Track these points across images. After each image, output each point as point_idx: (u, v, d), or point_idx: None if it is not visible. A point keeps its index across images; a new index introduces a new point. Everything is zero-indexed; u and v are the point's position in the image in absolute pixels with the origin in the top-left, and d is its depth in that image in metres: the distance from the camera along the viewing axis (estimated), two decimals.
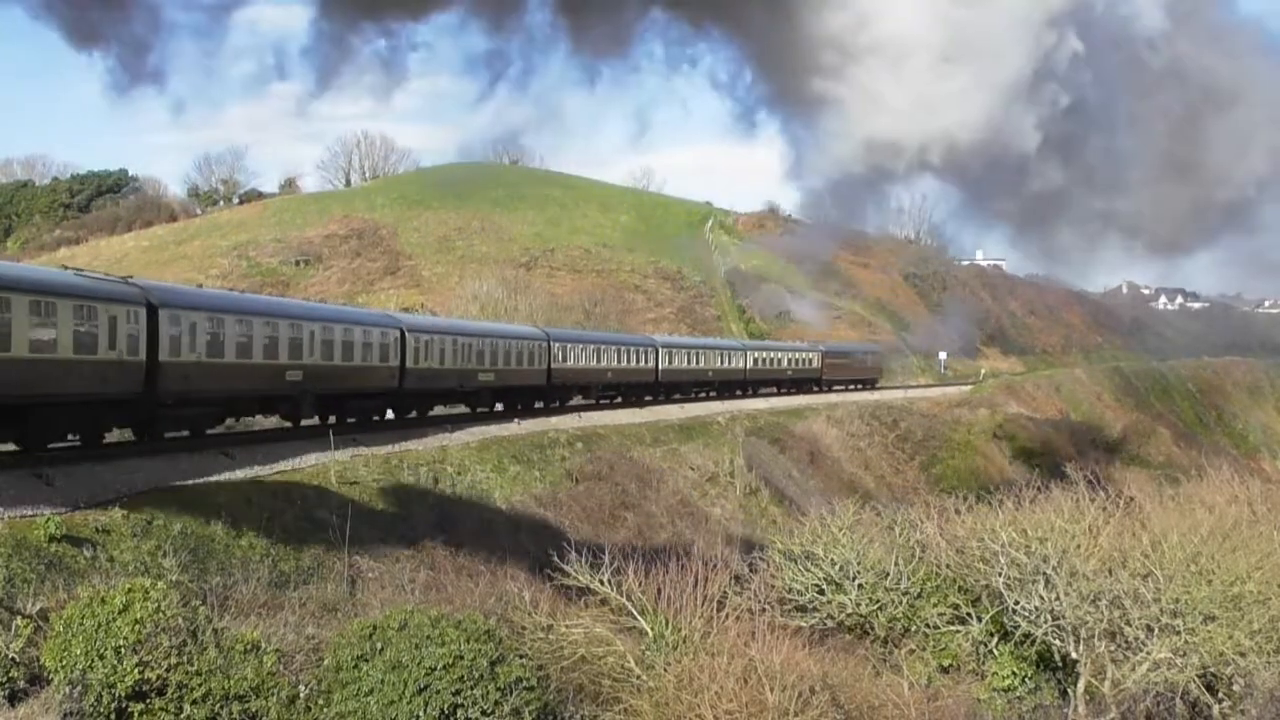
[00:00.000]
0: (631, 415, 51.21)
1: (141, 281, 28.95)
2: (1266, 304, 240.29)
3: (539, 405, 49.18)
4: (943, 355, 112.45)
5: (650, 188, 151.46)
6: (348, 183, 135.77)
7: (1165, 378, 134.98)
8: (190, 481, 24.44)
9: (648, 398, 59.13)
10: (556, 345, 50.54)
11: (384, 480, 29.58)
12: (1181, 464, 77.16)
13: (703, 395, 66.22)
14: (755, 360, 72.83)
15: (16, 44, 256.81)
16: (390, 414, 39.26)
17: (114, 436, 28.83)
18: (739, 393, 69.46)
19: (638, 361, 58.71)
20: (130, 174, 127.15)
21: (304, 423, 34.66)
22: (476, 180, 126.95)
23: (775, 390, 75.83)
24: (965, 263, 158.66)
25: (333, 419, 35.39)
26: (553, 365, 49.71)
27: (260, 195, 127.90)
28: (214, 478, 25.18)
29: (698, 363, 65.32)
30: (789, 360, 78.07)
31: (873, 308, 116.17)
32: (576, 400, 54.27)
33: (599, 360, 54.61)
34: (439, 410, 43.70)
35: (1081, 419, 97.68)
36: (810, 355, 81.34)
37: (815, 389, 79.67)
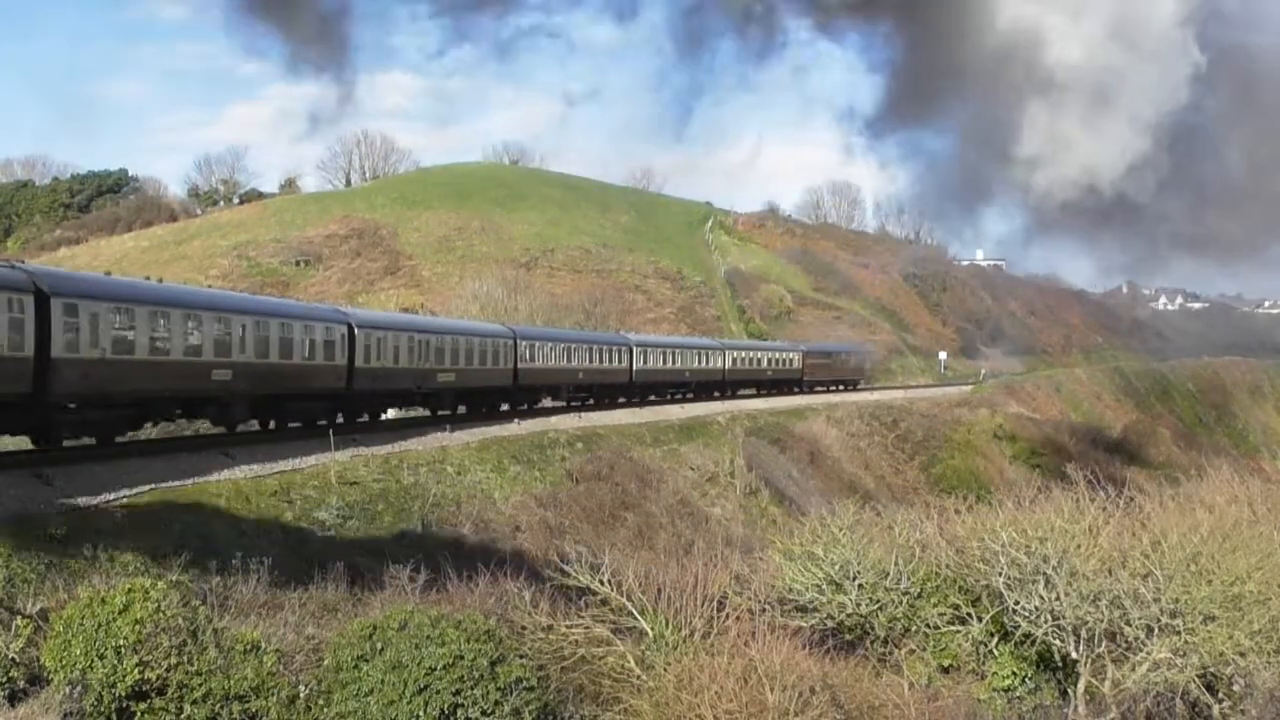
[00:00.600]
0: (632, 415, 51.19)
1: (30, 266, 25.86)
2: (1267, 304, 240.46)
3: (505, 408, 46.79)
4: (943, 355, 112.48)
5: (650, 188, 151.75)
6: (348, 183, 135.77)
7: (1165, 378, 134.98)
8: (190, 481, 24.45)
9: (621, 399, 56.97)
10: (524, 344, 47.93)
11: (384, 480, 29.56)
12: (1181, 464, 77.15)
13: (679, 396, 64.07)
14: (734, 360, 70.67)
15: (15, 43, 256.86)
16: (340, 418, 36.30)
17: (10, 444, 26.25)
18: (716, 394, 67.35)
19: (611, 361, 56.18)
20: (130, 174, 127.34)
21: (240, 428, 32.07)
22: (476, 180, 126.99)
23: (755, 391, 73.43)
24: (965, 262, 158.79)
25: (273, 424, 33.41)
26: (520, 365, 47.17)
27: (260, 195, 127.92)
28: (213, 477, 25.19)
29: (674, 362, 62.99)
30: (769, 360, 75.66)
31: (873, 308, 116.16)
32: (546, 403, 52.08)
33: (569, 360, 52.10)
34: (393, 414, 41.83)
35: (1082, 419, 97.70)
36: (791, 355, 78.88)
37: (796, 390, 77.21)
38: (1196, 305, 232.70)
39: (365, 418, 38.10)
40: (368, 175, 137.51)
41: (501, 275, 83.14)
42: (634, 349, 58.78)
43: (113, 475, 23.42)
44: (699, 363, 65.70)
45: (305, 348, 33.05)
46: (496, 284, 78.43)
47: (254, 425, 34.73)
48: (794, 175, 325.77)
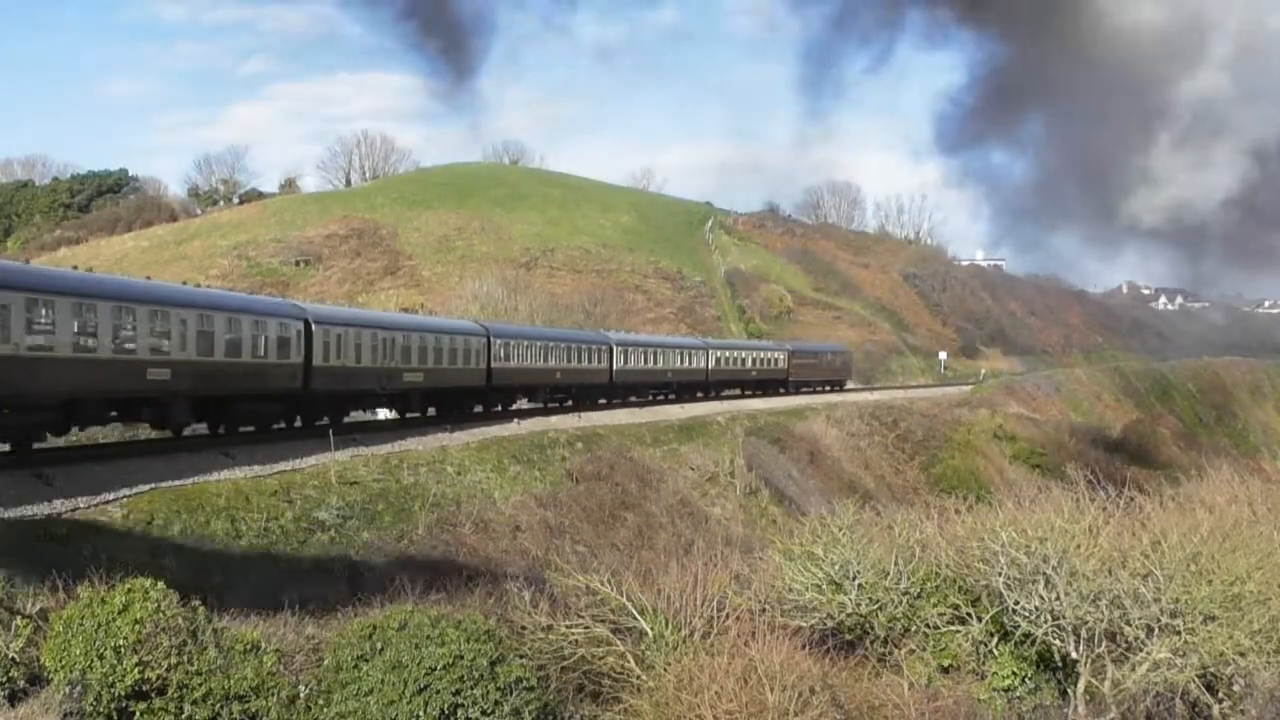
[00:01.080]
0: (631, 415, 51.20)
1: None
2: (1267, 304, 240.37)
3: (478, 410, 44.48)
4: (943, 355, 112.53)
5: (650, 188, 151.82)
6: (348, 183, 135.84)
7: (1165, 378, 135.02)
8: (189, 481, 24.44)
9: (601, 400, 54.90)
10: (498, 342, 45.24)
11: (384, 480, 29.57)
12: (1181, 464, 77.17)
13: (660, 398, 61.76)
14: (718, 360, 68.15)
15: (18, 42, 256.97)
16: (298, 422, 34.50)
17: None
18: (700, 395, 65.26)
19: (590, 361, 53.62)
20: (130, 174, 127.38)
21: (186, 432, 30.17)
22: (477, 180, 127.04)
23: (739, 392, 71.50)
24: (965, 263, 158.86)
25: (222, 429, 30.95)
26: (493, 364, 44.50)
27: (260, 195, 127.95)
28: (213, 477, 25.18)
29: (655, 362, 60.35)
30: (754, 360, 73.36)
31: (873, 308, 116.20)
32: (521, 404, 49.77)
33: (546, 359, 49.46)
34: (358, 416, 39.40)
35: (1083, 419, 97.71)
36: (776, 355, 76.79)
37: (781, 391, 74.84)
38: (1197, 305, 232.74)
39: (326, 420, 34.98)
40: (368, 175, 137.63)
41: (501, 275, 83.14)
42: (614, 348, 56.27)
43: (113, 475, 23.41)
44: (682, 362, 63.45)
45: (255, 345, 30.63)
46: (496, 284, 78.41)
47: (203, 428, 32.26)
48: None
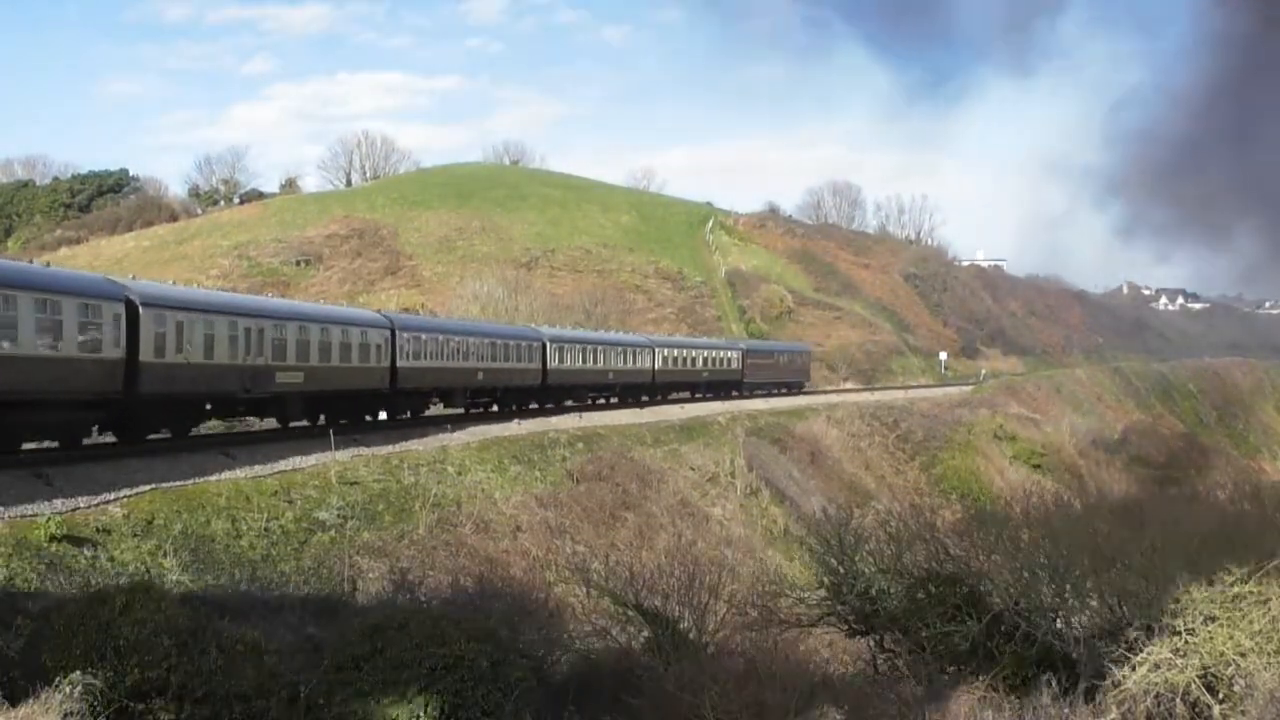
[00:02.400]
0: (633, 415, 51.21)
1: None
2: (1267, 304, 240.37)
3: (382, 418, 39.36)
4: (943, 355, 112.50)
5: (650, 188, 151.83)
6: (348, 183, 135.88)
7: (1166, 378, 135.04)
8: (190, 481, 24.45)
9: (532, 404, 49.70)
10: (405, 337, 39.28)
11: (384, 480, 29.58)
12: (1181, 464, 77.21)
13: (601, 401, 56.78)
14: (664, 359, 62.53)
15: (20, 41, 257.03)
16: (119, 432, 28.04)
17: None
18: (644, 398, 59.83)
19: (519, 359, 48.08)
20: (131, 174, 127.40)
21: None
22: (477, 180, 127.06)
23: (689, 395, 65.78)
24: (965, 263, 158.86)
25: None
26: (399, 364, 38.50)
27: (261, 195, 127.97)
28: (214, 477, 25.19)
29: (594, 361, 54.90)
30: (704, 360, 67.81)
31: (873, 308, 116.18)
32: (436, 410, 44.20)
33: (466, 358, 43.56)
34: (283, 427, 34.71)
35: (1083, 420, 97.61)
36: (729, 354, 71.32)
37: (735, 394, 69.35)
38: (1197, 306, 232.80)
39: (165, 433, 29.40)
40: (368, 175, 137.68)
41: (502, 275, 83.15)
42: (548, 345, 50.53)
43: (113, 475, 23.43)
44: (624, 362, 57.83)
45: (50, 335, 23.57)
46: (497, 284, 78.39)
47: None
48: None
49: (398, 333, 38.85)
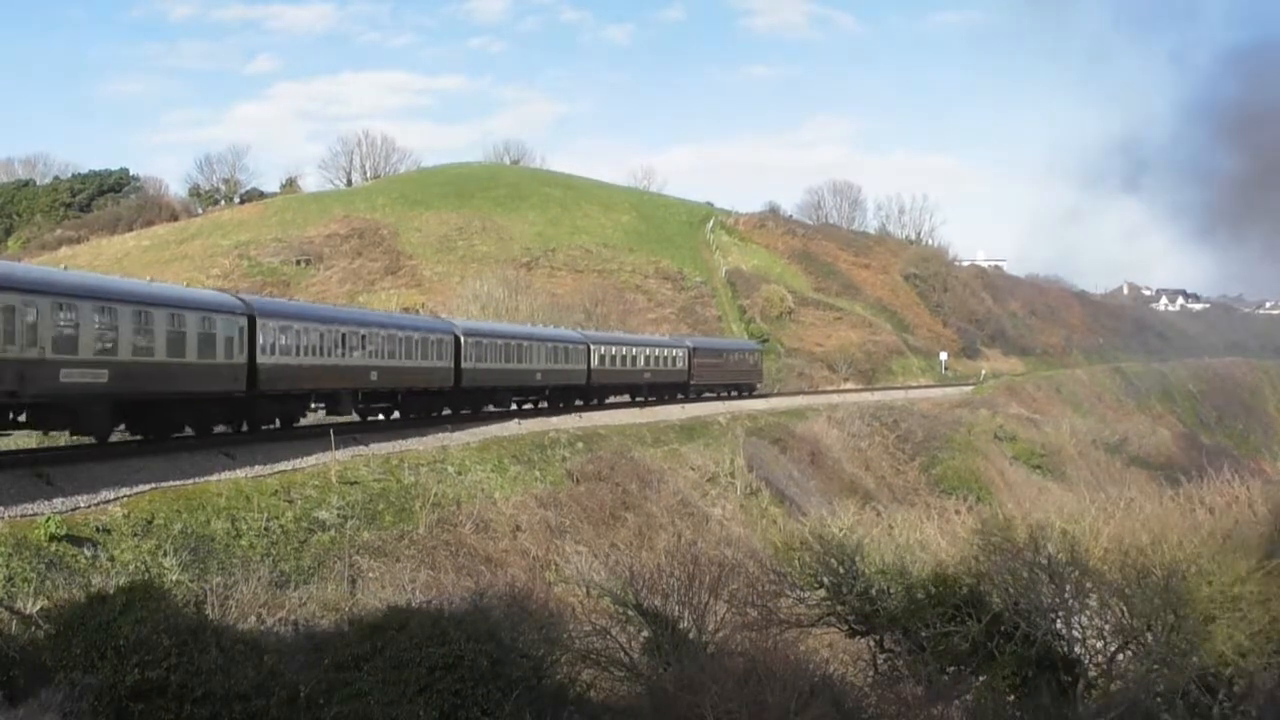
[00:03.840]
0: (633, 415, 51.20)
1: None
2: (1268, 305, 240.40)
3: (239, 429, 31.67)
4: (943, 356, 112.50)
5: (651, 188, 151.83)
6: (349, 182, 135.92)
7: (1166, 379, 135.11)
8: (190, 481, 24.45)
9: (445, 411, 42.67)
10: (270, 326, 31.51)
11: (384, 480, 29.58)
12: (1181, 464, 77.21)
13: (529, 406, 50.02)
14: (601, 358, 55.67)
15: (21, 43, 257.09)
16: None
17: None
18: (579, 402, 53.65)
19: (425, 357, 40.61)
20: (131, 173, 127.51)
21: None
22: (477, 180, 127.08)
23: (629, 399, 59.25)
24: (965, 263, 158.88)
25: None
26: (261, 359, 30.84)
27: (261, 195, 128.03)
28: (214, 477, 25.19)
29: (520, 360, 47.88)
30: (646, 359, 60.74)
31: (873, 308, 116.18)
32: (318, 418, 37.27)
33: (351, 353, 35.71)
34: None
35: (1083, 420, 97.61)
36: (675, 353, 64.16)
37: (681, 397, 62.82)
38: (1197, 306, 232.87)
39: None
40: (368, 175, 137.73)
41: (502, 275, 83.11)
42: (462, 341, 43.30)
43: (113, 475, 23.43)
44: (554, 361, 51.06)
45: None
46: (497, 284, 78.34)
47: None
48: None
49: (259, 321, 30.90)
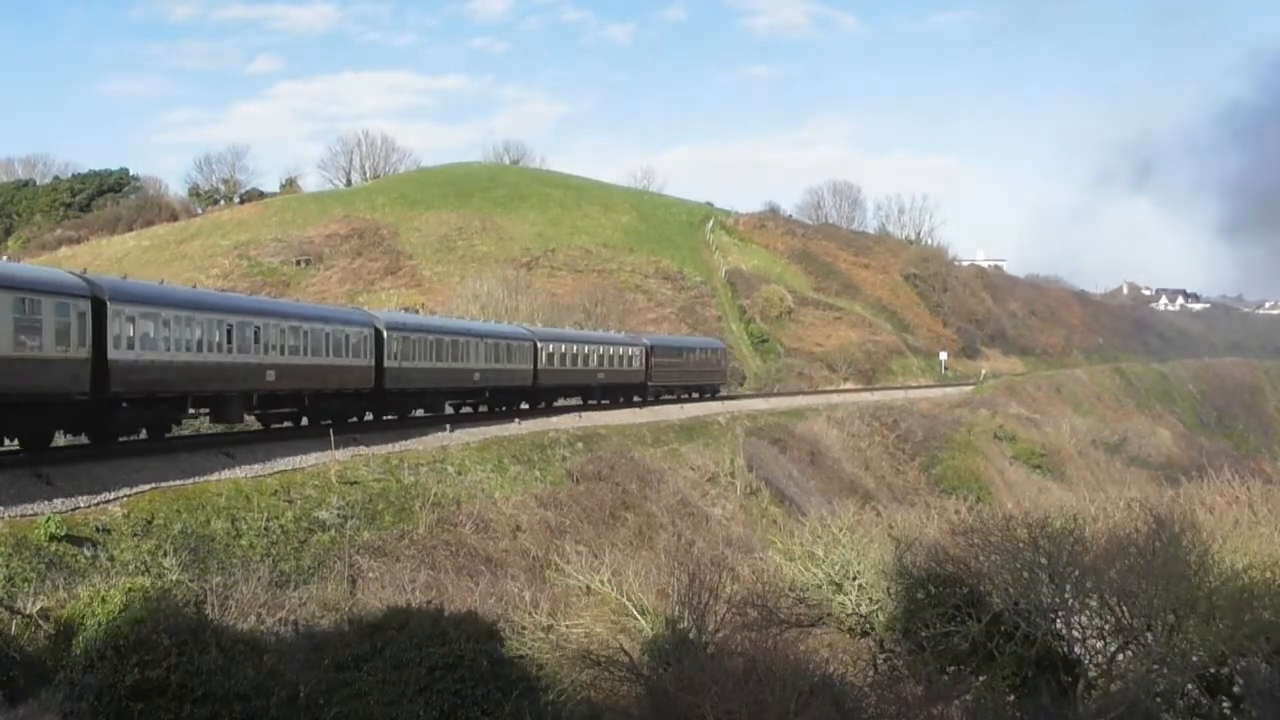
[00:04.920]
0: (632, 415, 51.19)
1: None
2: (1267, 305, 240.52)
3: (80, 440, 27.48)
4: (943, 356, 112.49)
5: (650, 188, 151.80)
6: (349, 182, 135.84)
7: (1166, 379, 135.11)
8: (190, 481, 24.45)
9: (367, 416, 38.30)
10: (128, 315, 25.98)
11: (384, 480, 29.58)
12: (1181, 464, 77.21)
13: (467, 410, 45.55)
14: (549, 357, 50.27)
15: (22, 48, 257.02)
16: None
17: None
18: (524, 405, 48.19)
19: (340, 354, 35.27)
20: (131, 173, 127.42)
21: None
22: (477, 180, 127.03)
23: (581, 402, 54.38)
24: (965, 263, 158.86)
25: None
26: (114, 357, 25.28)
27: (261, 195, 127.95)
28: (214, 477, 25.19)
29: (454, 358, 42.31)
30: (599, 358, 55.11)
31: (873, 308, 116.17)
32: (195, 427, 33.11)
33: (241, 348, 30.13)
34: None
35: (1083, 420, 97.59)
36: (631, 352, 58.42)
37: (637, 400, 58.02)
38: (1197, 306, 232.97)
39: None
40: (368, 175, 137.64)
41: (502, 275, 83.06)
42: (385, 335, 37.84)
43: (113, 475, 23.43)
44: (496, 360, 45.57)
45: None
46: (497, 284, 78.27)
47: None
48: None
49: (110, 307, 25.28)
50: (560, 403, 52.99)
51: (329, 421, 34.04)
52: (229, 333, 29.86)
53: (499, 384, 46.49)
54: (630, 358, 58.24)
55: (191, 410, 30.25)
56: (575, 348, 53.46)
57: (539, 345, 49.50)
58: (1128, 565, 21.91)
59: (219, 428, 33.67)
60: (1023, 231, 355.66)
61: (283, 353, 32.55)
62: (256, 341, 31.09)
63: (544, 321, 62.12)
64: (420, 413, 41.44)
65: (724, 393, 71.13)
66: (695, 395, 65.24)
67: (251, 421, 34.70)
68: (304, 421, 35.05)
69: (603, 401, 55.38)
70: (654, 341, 62.57)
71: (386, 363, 37.81)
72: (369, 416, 38.79)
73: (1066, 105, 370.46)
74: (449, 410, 44.53)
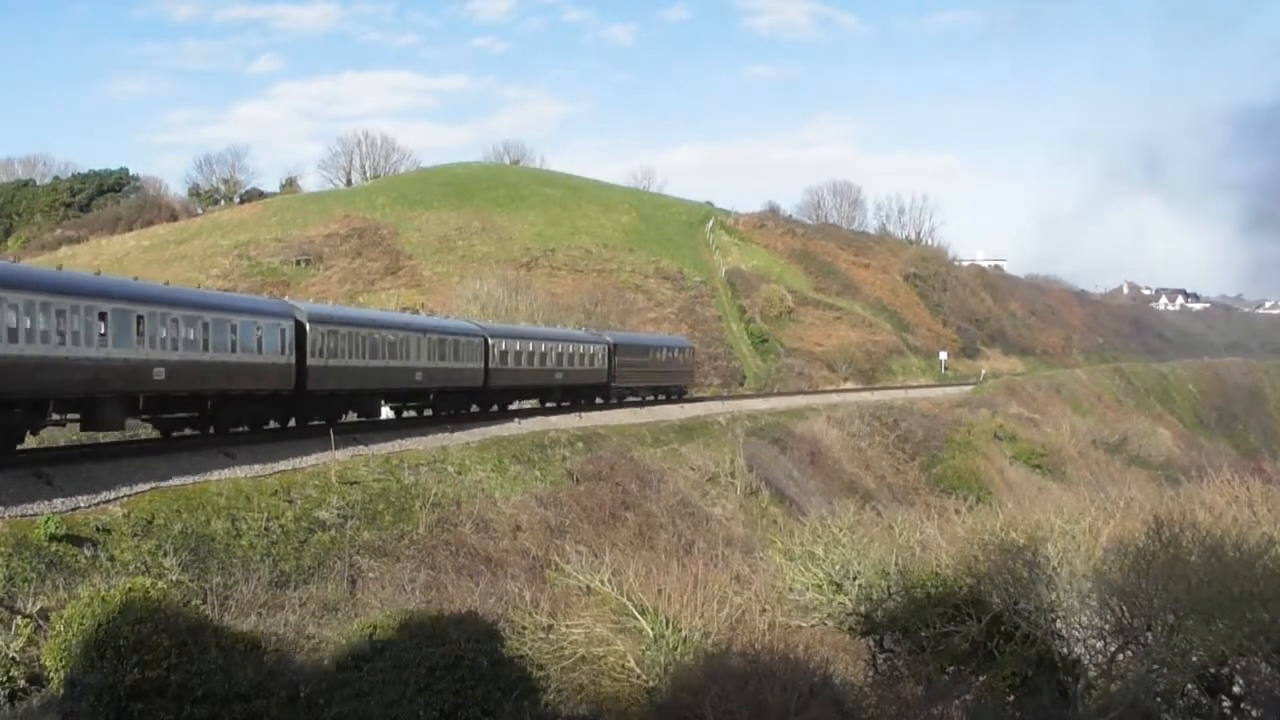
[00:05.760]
0: (633, 415, 51.17)
1: None
2: (1267, 304, 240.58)
3: None
4: (943, 355, 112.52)
5: (651, 188, 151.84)
6: (348, 182, 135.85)
7: (1166, 379, 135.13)
8: (190, 481, 24.45)
9: (289, 423, 33.75)
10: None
11: (384, 480, 29.58)
12: (1182, 464, 77.22)
13: (411, 414, 41.67)
14: (502, 355, 45.43)
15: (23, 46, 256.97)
16: None
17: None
18: (474, 408, 44.38)
19: (251, 350, 30.20)
20: (131, 173, 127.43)
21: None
22: (477, 180, 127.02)
23: (539, 404, 50.67)
24: (965, 263, 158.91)
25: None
26: None
27: (261, 195, 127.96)
28: (214, 477, 25.19)
29: (393, 356, 37.34)
30: (558, 356, 50.32)
31: (873, 308, 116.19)
32: (72, 437, 29.34)
33: (120, 342, 25.40)
34: None
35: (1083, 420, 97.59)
36: (594, 350, 53.91)
37: (599, 401, 54.07)
38: (1197, 306, 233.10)
39: None
40: (368, 175, 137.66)
41: (502, 275, 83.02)
42: (308, 329, 32.96)
43: (113, 475, 23.43)
44: (441, 358, 40.78)
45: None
46: (497, 284, 78.23)
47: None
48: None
49: None
50: (514, 406, 48.80)
51: (243, 429, 30.59)
52: (106, 323, 25.01)
53: (445, 384, 41.98)
54: (592, 356, 53.77)
55: (55, 416, 25.58)
56: (531, 345, 48.85)
57: (491, 342, 44.88)
58: (1128, 565, 21.91)
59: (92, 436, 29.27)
60: (1024, 231, 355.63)
61: (175, 348, 27.30)
62: (140, 334, 26.10)
63: (545, 322, 61.40)
64: (353, 416, 37.35)
65: (732, 395, 69.56)
66: (662, 397, 60.88)
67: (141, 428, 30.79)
68: (211, 430, 30.29)
69: (562, 404, 51.36)
70: (618, 339, 57.92)
71: (310, 360, 32.84)
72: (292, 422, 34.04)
73: (1069, 103, 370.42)
74: (388, 415, 41.12)
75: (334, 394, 35.18)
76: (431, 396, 42.22)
